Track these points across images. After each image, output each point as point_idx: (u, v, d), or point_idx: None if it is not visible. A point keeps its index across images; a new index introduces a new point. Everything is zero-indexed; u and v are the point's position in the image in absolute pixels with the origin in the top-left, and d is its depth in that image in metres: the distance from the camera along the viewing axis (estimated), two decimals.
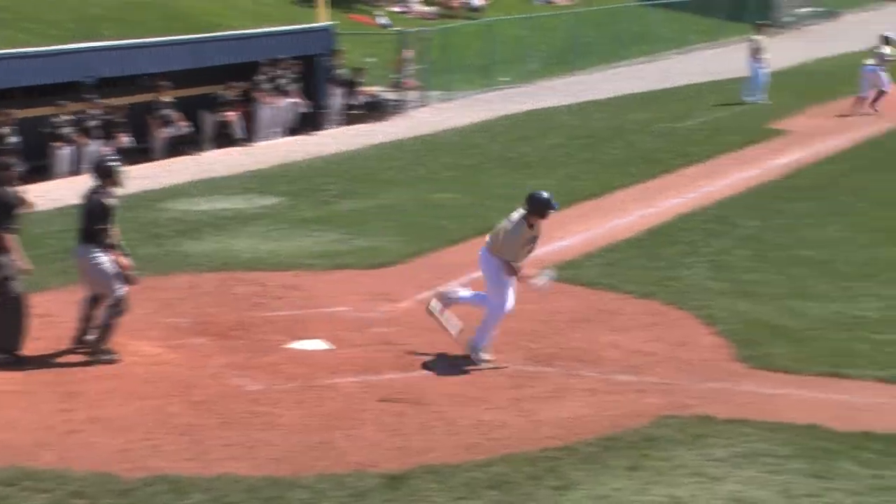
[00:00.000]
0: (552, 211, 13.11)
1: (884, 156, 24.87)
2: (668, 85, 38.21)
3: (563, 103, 34.92)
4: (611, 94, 36.38)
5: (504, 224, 13.06)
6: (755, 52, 33.90)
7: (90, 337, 13.26)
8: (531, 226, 12.96)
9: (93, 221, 13.22)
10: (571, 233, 18.27)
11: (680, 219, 19.47)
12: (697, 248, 17.55)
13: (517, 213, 13.05)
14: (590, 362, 12.88)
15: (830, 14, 57.20)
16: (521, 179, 23.33)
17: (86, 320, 13.38)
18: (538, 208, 13.01)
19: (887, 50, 32.15)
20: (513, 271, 12.93)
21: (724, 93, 34.50)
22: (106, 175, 13.45)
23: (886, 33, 33.56)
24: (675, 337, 13.60)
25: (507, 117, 32.85)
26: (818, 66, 41.76)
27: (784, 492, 9.64)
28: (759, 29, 35.26)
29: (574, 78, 41.08)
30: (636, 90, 37.38)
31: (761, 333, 13.50)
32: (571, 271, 16.20)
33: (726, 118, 31.04)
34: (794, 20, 55.99)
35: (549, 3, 52.95)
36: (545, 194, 13.12)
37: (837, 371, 12.28)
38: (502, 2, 50.44)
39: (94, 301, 13.38)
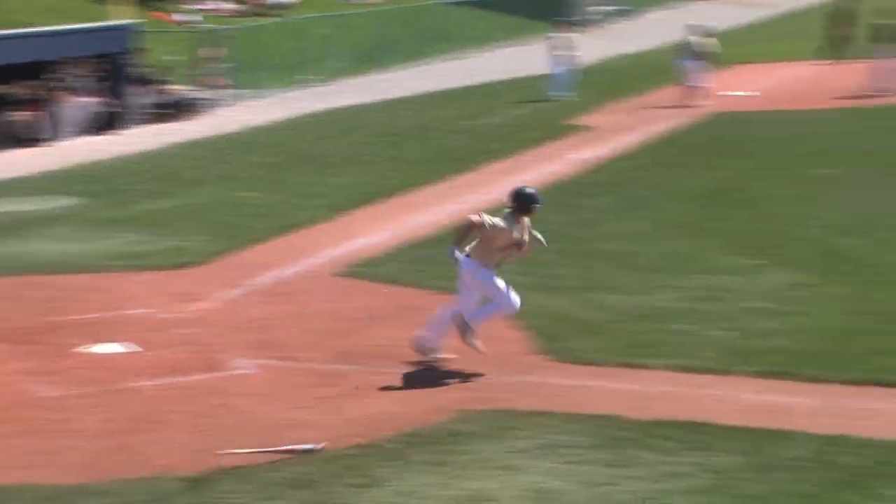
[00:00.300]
0: (538, 206, 12.72)
1: (680, 151, 25.52)
2: (471, 83, 38.58)
3: (370, 101, 35.00)
4: (416, 92, 36.59)
5: (495, 224, 12.50)
6: (555, 49, 34.50)
7: None
8: (518, 221, 12.63)
9: None
10: (375, 230, 18.37)
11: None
12: None
13: (505, 212, 12.68)
14: (393, 359, 12.90)
15: (632, 12, 58.47)
16: (326, 177, 23.38)
17: None
18: (523, 204, 12.65)
19: (693, 39, 33.04)
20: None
21: (526, 90, 35.00)
22: None
23: (691, 22, 34.57)
24: (479, 331, 13.70)
25: (313, 115, 32.78)
26: (619, 63, 42.66)
27: (583, 481, 9.82)
28: (558, 26, 35.83)
29: (380, 76, 41.19)
30: (441, 88, 37.67)
31: (563, 327, 13.73)
32: (375, 268, 16.28)
33: (528, 115, 31.47)
34: (597, 18, 57.06)
35: (350, 2, 52.88)
36: (529, 189, 12.87)
37: (635, 362, 12.54)
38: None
39: None
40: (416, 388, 12.11)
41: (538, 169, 23.54)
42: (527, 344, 13.27)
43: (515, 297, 12.81)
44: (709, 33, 33.69)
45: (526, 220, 12.77)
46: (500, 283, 12.81)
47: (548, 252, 17.04)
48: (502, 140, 27.30)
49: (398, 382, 12.25)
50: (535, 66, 37.55)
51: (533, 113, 31.79)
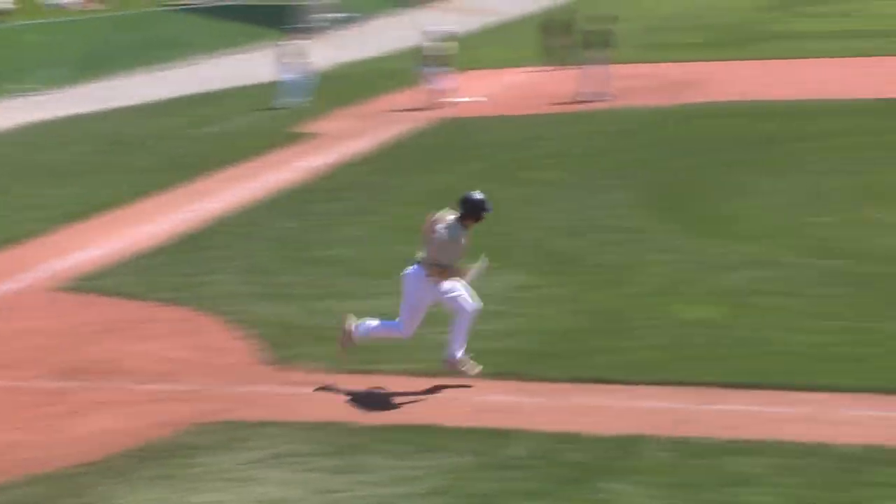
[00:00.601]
0: (487, 213, 12.25)
1: (408, 155, 25.71)
2: (199, 91, 38.02)
3: (92, 110, 34.08)
4: (140, 101, 35.84)
5: (439, 233, 12.04)
6: (284, 57, 34.43)
7: None
8: (466, 227, 12.15)
9: None
10: (98, 242, 17.84)
11: (212, 224, 19.39)
12: (229, 253, 17.52)
13: (451, 216, 12.17)
14: (117, 373, 12.58)
15: (358, 19, 58.75)
16: (45, 189, 22.61)
17: None
18: (472, 210, 12.18)
19: (431, 45, 33.57)
20: (455, 273, 12.01)
21: (255, 98, 34.71)
22: None
23: (429, 27, 35.16)
24: (205, 343, 13.50)
25: (33, 125, 31.71)
26: (347, 69, 42.71)
27: (318, 489, 9.78)
28: (287, 34, 35.81)
29: (103, 84, 40.20)
30: (168, 96, 37.00)
31: (290, 335, 13.60)
32: (98, 281, 15.86)
33: (256, 123, 31.18)
34: (323, 25, 57.11)
35: (66, 9, 51.52)
36: (478, 195, 12.32)
37: (365, 367, 12.50)
38: (28, 7, 48.78)
39: None
40: (141, 402, 11.80)
41: (266, 176, 23.33)
42: (255, 353, 13.09)
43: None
44: (448, 38, 34.31)
45: (474, 226, 12.27)
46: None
47: (275, 260, 17.01)
48: (231, 148, 26.93)
49: (123, 398, 11.92)
50: (263, 73, 37.29)
51: (261, 121, 31.52)
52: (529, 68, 40.16)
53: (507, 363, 12.49)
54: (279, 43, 35.70)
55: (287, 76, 34.09)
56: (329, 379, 12.27)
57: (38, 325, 14.15)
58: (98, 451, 10.64)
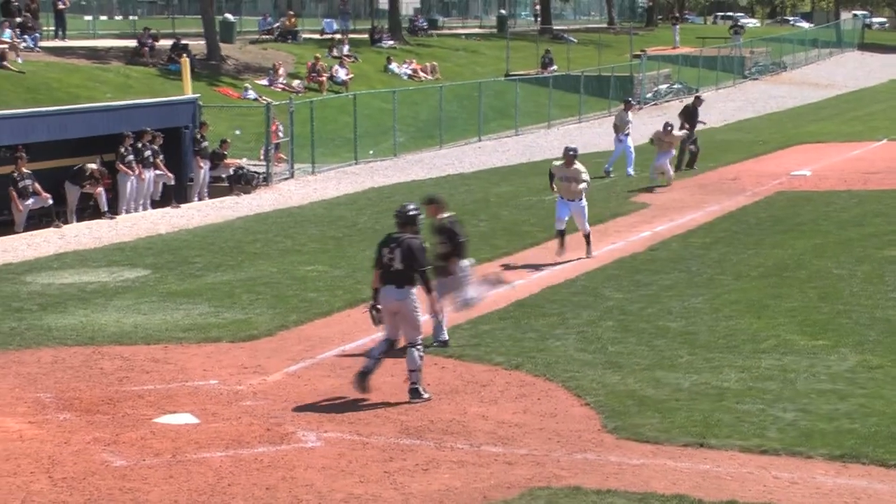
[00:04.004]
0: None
1: (740, 229, 25.48)
2: (531, 159, 38.76)
3: (429, 177, 35.24)
4: (475, 168, 36.81)
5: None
6: (620, 128, 34.86)
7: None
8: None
9: (414, 264, 13.94)
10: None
11: (548, 290, 19.71)
12: (565, 320, 17.78)
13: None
14: (459, 434, 12.93)
15: (688, 91, 58.69)
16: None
17: (375, 360, 14.15)
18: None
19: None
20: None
21: (586, 166, 35.00)
22: (409, 223, 14.24)
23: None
24: (544, 408, 13.73)
25: (373, 190, 33.04)
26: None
27: None
28: (625, 105, 36.27)
29: (439, 151, 41.49)
30: (500, 164, 37.86)
31: (628, 404, 13.70)
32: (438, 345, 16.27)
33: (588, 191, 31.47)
34: (653, 97, 57.40)
35: (412, 77, 53.49)
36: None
37: (702, 441, 12.48)
38: (366, 76, 50.87)
39: (391, 344, 14.22)
40: (482, 463, 12.09)
41: (600, 245, 23.56)
42: (592, 421, 13.24)
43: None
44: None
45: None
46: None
47: (608, 329, 17.16)
48: None
49: (465, 458, 12.24)
50: (593, 142, 37.74)
51: (594, 189, 31.80)
52: (859, 143, 39.20)
53: (849, 445, 12.19)
54: (616, 113, 36.21)
55: (621, 146, 34.54)
56: (661, 450, 12.29)
57: (383, 383, 14.70)
58: None
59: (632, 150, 34.59)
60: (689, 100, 40.27)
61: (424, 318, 14.43)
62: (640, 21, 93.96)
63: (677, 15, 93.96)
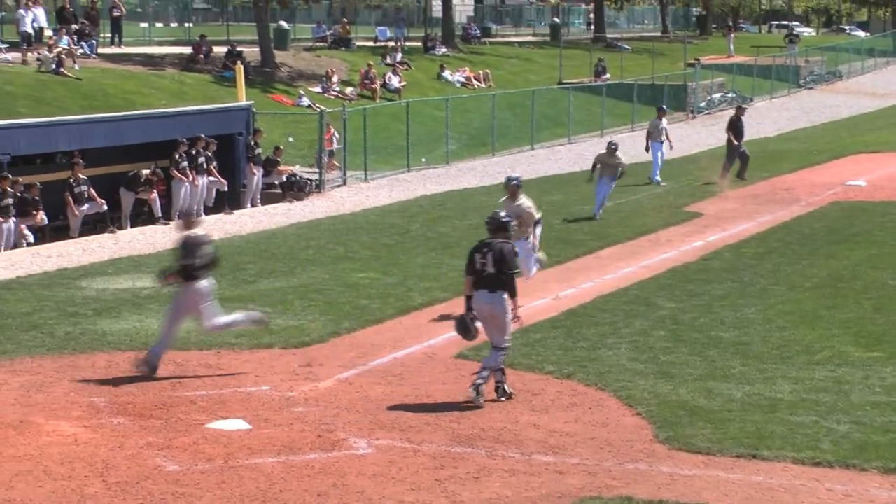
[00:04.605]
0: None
1: (794, 239, 25.32)
2: (583, 167, 38.66)
3: (481, 184, 35.24)
4: (528, 176, 36.73)
5: None
6: (654, 135, 34.95)
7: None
8: None
9: (504, 267, 14.18)
10: None
11: (600, 299, 19.66)
12: (617, 329, 17.73)
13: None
14: (510, 443, 12.92)
15: (742, 100, 58.44)
16: (440, 259, 23.50)
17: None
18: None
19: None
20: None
21: (638, 175, 35.01)
22: (501, 228, 14.52)
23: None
24: (596, 418, 13.70)
25: (425, 197, 33.08)
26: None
27: None
28: (659, 112, 36.28)
29: (492, 159, 41.50)
30: (553, 172, 37.82)
31: (680, 414, 13.63)
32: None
33: (641, 200, 31.48)
34: (707, 106, 57.15)
35: (465, 85, 53.54)
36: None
37: (754, 452, 12.41)
38: (419, 83, 50.96)
39: None
40: (533, 472, 12.07)
41: (653, 254, 23.49)
42: (644, 431, 13.19)
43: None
44: None
45: None
46: None
47: (660, 338, 17.10)
48: (616, 225, 27.32)
49: (516, 467, 12.23)
50: (645, 152, 37.59)
51: (646, 198, 31.80)
52: None
53: None
54: (651, 121, 36.23)
55: (657, 153, 34.60)
56: (713, 461, 12.23)
57: (435, 390, 14.74)
58: None
59: (661, 157, 34.81)
60: (732, 111, 39.92)
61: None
62: (694, 30, 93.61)
63: (732, 24, 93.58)
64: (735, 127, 35.53)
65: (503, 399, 14.26)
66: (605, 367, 15.64)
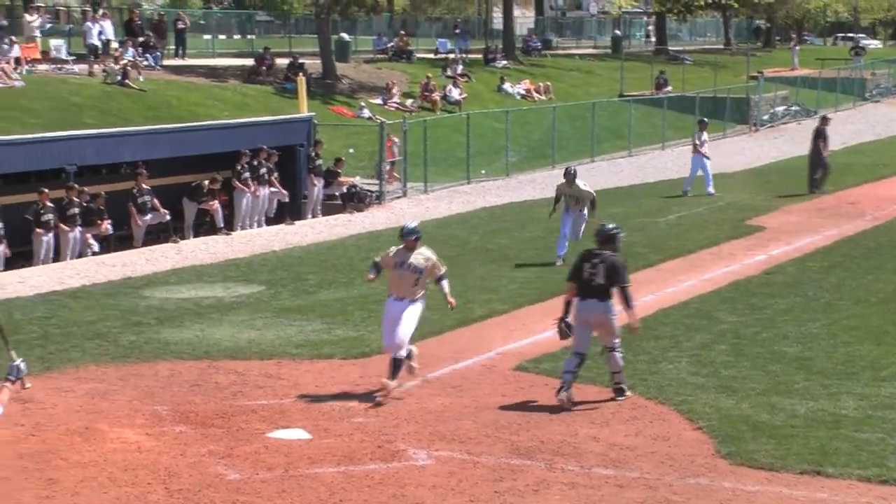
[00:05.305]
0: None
1: (860, 254, 25.07)
2: (644, 180, 38.54)
3: (542, 196, 35.16)
4: (589, 189, 36.59)
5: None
6: (697, 147, 34.85)
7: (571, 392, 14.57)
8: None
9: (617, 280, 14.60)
10: (551, 326, 18.22)
11: (660, 313, 19.54)
12: (678, 343, 17.62)
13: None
14: (570, 455, 12.87)
15: (806, 113, 58.00)
16: (499, 271, 23.47)
17: (572, 373, 14.66)
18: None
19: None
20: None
21: (700, 188, 34.80)
22: (609, 241, 14.91)
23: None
24: (656, 431, 13.61)
25: (485, 209, 33.07)
26: (794, 163, 42.17)
27: None
28: (700, 125, 36.15)
29: (552, 171, 41.42)
30: (613, 185, 37.70)
31: (742, 429, 13.52)
32: (550, 364, 16.22)
33: (703, 213, 31.30)
34: (770, 119, 56.76)
35: (525, 97, 53.49)
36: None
37: (818, 469, 12.28)
38: (479, 95, 50.97)
39: (582, 358, 14.72)
40: (593, 486, 12.01)
41: (714, 268, 23.33)
42: (705, 446, 13.09)
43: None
44: None
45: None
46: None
47: (721, 353, 16.96)
48: (677, 238, 27.18)
49: (576, 480, 12.18)
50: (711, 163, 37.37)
51: (708, 211, 31.60)
52: None
53: None
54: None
55: (699, 165, 34.42)
56: (776, 478, 12.11)
57: (494, 402, 14.71)
58: None
59: (708, 169, 34.74)
60: (816, 122, 39.46)
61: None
62: (757, 42, 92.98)
63: (796, 36, 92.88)
64: (822, 136, 35.27)
65: (621, 399, 14.70)
66: (665, 381, 15.54)
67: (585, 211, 24.32)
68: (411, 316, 15.25)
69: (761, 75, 62.28)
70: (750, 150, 47.32)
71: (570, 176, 24.41)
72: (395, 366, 15.10)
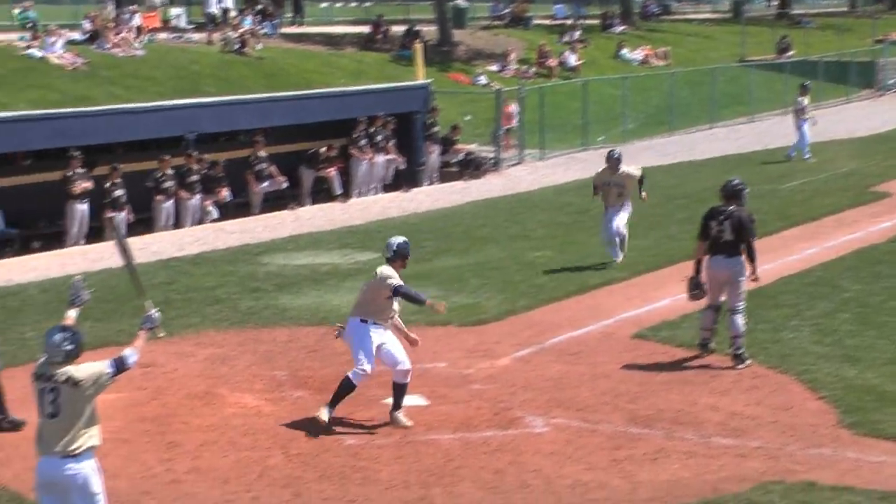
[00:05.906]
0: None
1: None
2: (766, 146, 37.90)
3: (660, 164, 34.76)
4: (707, 155, 36.17)
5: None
6: (799, 113, 34.22)
7: (712, 345, 14.88)
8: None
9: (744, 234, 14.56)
10: (670, 293, 18.04)
11: (782, 281, 19.19)
12: (800, 311, 17.30)
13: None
14: (689, 424, 12.73)
15: None
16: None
17: (710, 330, 14.90)
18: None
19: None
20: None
21: (823, 154, 34.16)
22: (734, 196, 14.77)
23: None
24: (778, 401, 13.40)
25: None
26: None
27: None
28: (803, 90, 35.42)
29: (670, 138, 40.95)
30: (733, 151, 37.14)
31: (867, 400, 13.25)
32: (669, 332, 16.07)
33: (827, 180, 30.68)
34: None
35: (643, 63, 52.90)
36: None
37: None
38: (597, 62, 50.53)
39: (717, 310, 14.84)
40: (712, 455, 11.86)
41: (838, 236, 22.88)
42: (829, 416, 12.86)
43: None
44: None
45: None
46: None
47: (845, 321, 16.60)
48: (799, 205, 26.68)
49: (695, 449, 12.03)
50: (830, 129, 36.72)
51: (832, 178, 30.98)
52: None
53: None
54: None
55: (803, 130, 33.88)
56: None
57: (612, 370, 14.61)
58: (668, 498, 10.82)
59: (807, 134, 34.22)
60: None
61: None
62: (882, 4, 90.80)
63: None
64: None
65: (741, 367, 14.48)
66: (787, 350, 15.28)
67: (629, 203, 20.57)
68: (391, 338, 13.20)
69: (887, 39, 60.81)
70: (875, 115, 46.23)
71: (613, 160, 20.54)
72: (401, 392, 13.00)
